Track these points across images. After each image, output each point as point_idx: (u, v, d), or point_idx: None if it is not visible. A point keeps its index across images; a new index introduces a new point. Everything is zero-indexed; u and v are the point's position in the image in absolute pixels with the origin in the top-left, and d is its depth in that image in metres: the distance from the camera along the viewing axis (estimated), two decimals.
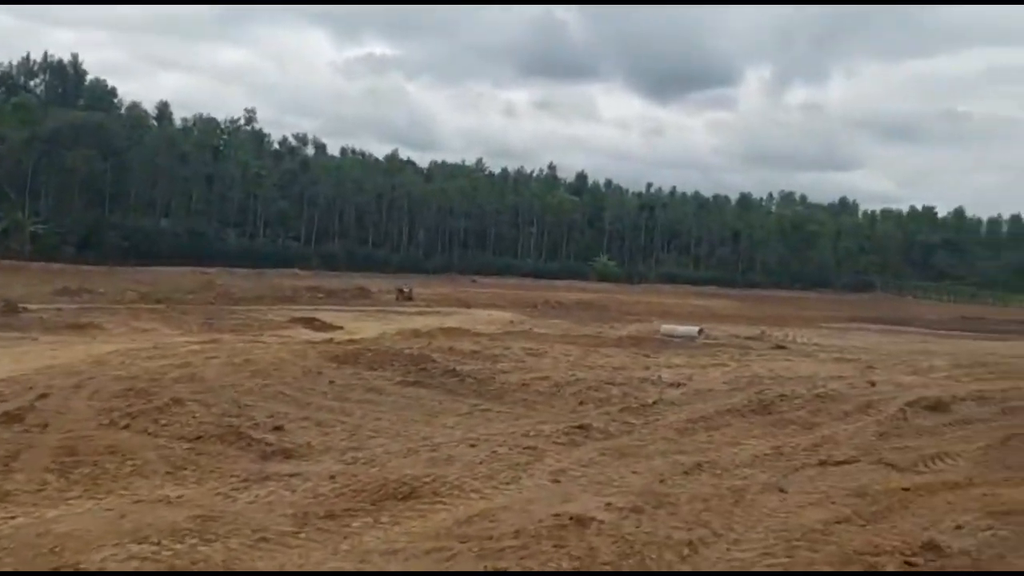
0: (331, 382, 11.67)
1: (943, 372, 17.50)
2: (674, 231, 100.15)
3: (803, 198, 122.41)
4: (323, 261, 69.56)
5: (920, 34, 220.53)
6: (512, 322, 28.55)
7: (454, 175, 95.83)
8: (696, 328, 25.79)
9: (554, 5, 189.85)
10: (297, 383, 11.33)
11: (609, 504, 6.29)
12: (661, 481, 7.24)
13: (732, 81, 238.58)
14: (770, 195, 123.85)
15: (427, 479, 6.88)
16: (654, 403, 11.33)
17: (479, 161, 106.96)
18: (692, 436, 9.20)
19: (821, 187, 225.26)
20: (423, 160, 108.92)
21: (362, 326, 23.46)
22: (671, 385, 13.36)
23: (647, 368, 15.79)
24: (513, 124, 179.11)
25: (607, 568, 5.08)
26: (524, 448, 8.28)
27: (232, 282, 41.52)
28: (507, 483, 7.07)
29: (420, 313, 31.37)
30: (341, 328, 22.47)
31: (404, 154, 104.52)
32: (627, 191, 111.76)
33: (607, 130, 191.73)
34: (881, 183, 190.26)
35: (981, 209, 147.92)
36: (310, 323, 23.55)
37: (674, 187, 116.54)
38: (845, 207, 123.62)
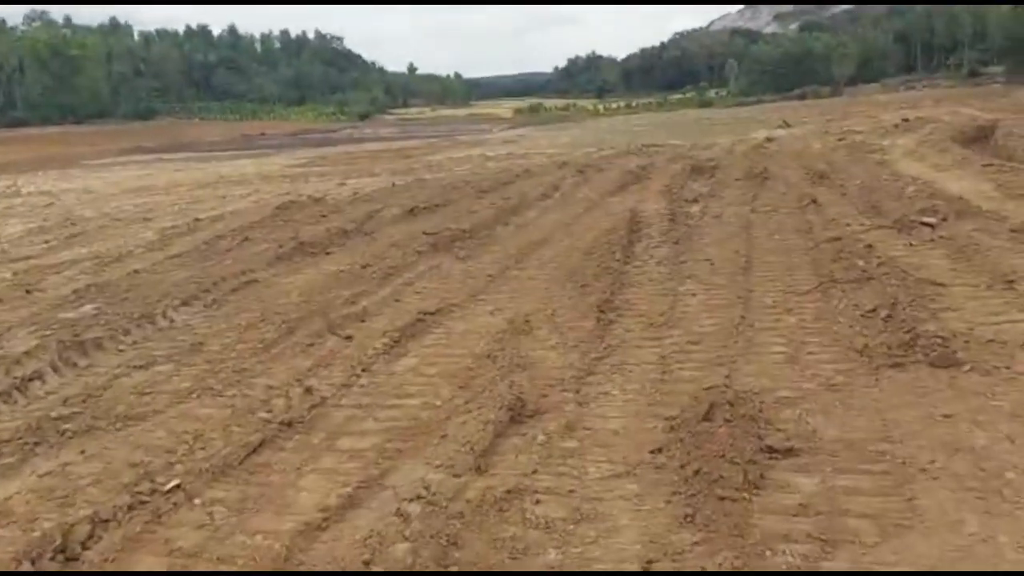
0: None
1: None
2: None
3: (68, 20, 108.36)
4: None
5: None
6: None
7: None
8: None
9: None
10: None
11: None
12: None
13: None
14: (26, 18, 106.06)
15: None
16: None
17: None
18: None
19: (88, 10, 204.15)
20: None
21: None
22: None
23: None
24: None
25: None
26: None
27: None
28: None
29: None
30: None
31: None
32: None
33: None
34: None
35: (254, 26, 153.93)
36: None
37: None
38: (117, 29, 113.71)
